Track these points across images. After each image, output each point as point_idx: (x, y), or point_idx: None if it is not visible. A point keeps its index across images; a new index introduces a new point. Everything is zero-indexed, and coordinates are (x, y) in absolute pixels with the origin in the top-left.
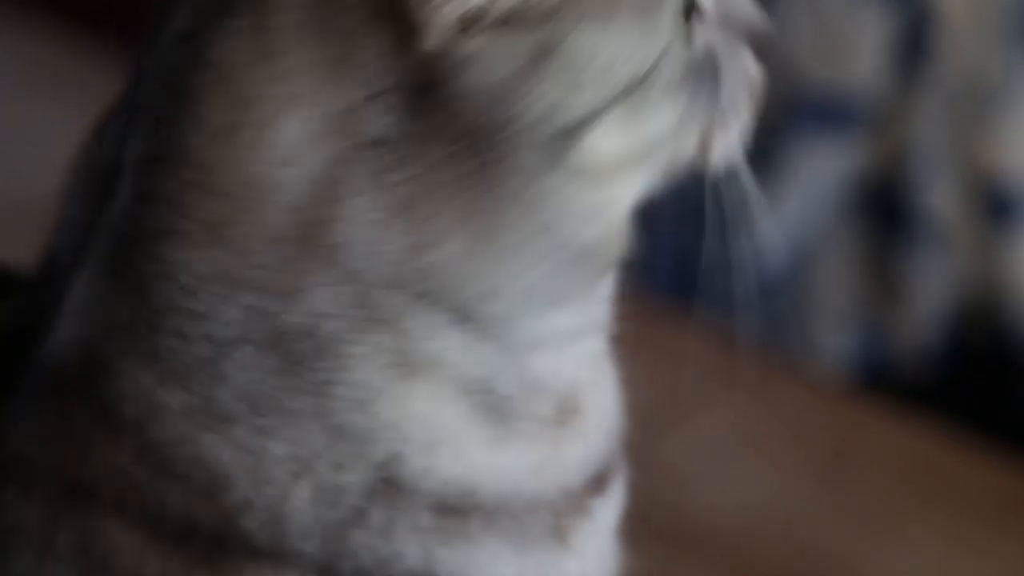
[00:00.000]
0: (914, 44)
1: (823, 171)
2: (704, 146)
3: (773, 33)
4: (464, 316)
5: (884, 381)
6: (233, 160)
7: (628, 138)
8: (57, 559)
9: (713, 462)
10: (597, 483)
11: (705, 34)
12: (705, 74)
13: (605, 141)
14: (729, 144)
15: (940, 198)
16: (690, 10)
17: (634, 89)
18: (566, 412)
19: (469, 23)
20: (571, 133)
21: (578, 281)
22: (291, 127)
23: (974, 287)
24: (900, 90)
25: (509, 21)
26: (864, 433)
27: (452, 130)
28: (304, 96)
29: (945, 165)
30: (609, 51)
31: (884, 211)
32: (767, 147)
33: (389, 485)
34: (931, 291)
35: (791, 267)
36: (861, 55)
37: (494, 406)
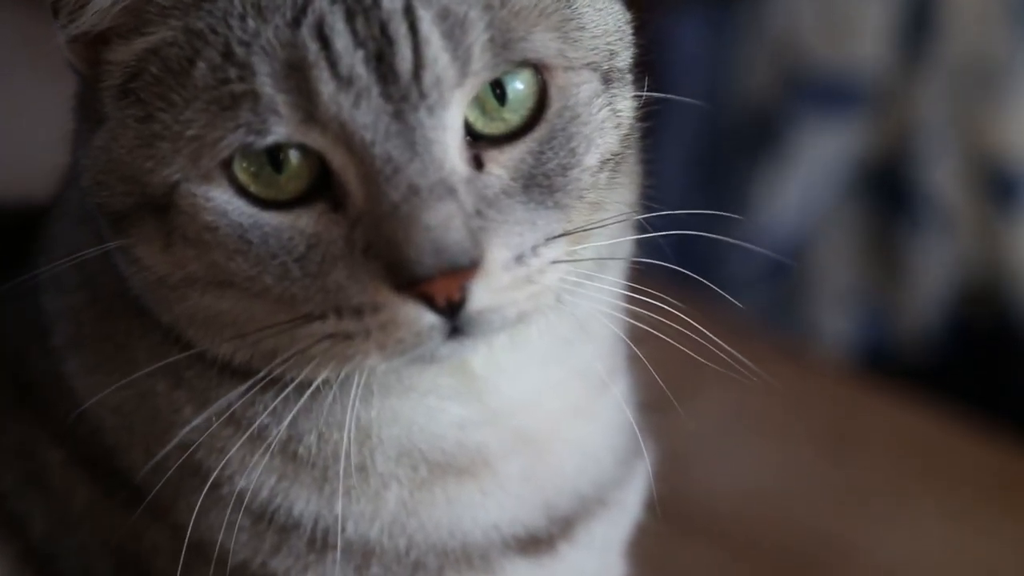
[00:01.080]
0: (918, 24)
1: (826, 152)
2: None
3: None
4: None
5: (886, 362)
6: None
7: (165, 263)
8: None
9: (715, 444)
10: (526, 544)
11: (313, 225)
12: (263, 249)
13: (145, 251)
14: (326, 351)
15: (943, 179)
16: (318, 191)
17: (157, 208)
18: (445, 471)
19: None
20: (113, 223)
21: None
22: None
23: (976, 268)
24: (904, 71)
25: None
26: (866, 415)
27: None
28: None
29: (948, 146)
30: (130, 154)
31: (887, 192)
32: (770, 127)
33: (194, 471)
34: (933, 272)
35: (794, 248)
36: (865, 35)
37: (266, 442)
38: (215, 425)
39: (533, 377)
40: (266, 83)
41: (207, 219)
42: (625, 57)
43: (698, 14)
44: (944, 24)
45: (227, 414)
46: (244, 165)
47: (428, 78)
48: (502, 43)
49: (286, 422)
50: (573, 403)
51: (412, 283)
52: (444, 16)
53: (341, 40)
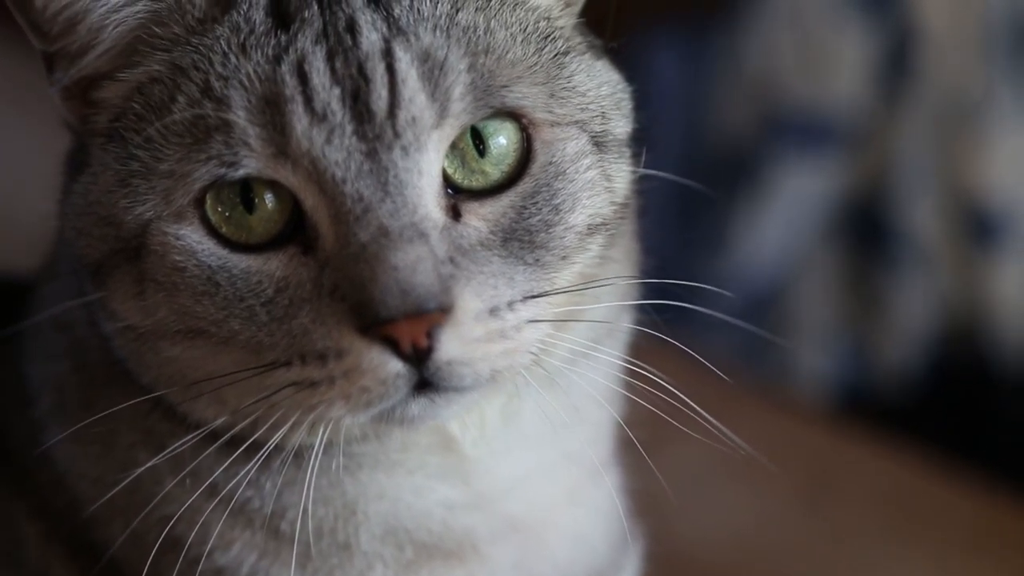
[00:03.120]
0: (897, 62)
1: (805, 190)
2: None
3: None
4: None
5: (865, 400)
6: None
7: (137, 309)
8: None
9: (693, 491)
10: None
11: (280, 266)
12: (230, 292)
13: (118, 297)
14: (294, 404)
15: (922, 218)
16: (293, 235)
17: (131, 255)
18: (431, 553)
19: None
20: (91, 273)
21: None
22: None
23: (956, 307)
24: (882, 108)
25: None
26: (846, 460)
27: None
28: None
29: (927, 185)
30: (108, 195)
31: (866, 230)
32: (749, 164)
33: (173, 545)
34: (913, 311)
35: (772, 286)
36: (843, 73)
37: (249, 517)
38: (196, 497)
39: (524, 460)
40: (240, 115)
41: (176, 259)
42: (621, 126)
43: (676, 50)
44: (923, 63)
45: (207, 484)
46: (216, 206)
47: (403, 117)
48: (484, 88)
49: (269, 493)
50: (566, 488)
51: (376, 324)
52: (424, 58)
53: (318, 77)
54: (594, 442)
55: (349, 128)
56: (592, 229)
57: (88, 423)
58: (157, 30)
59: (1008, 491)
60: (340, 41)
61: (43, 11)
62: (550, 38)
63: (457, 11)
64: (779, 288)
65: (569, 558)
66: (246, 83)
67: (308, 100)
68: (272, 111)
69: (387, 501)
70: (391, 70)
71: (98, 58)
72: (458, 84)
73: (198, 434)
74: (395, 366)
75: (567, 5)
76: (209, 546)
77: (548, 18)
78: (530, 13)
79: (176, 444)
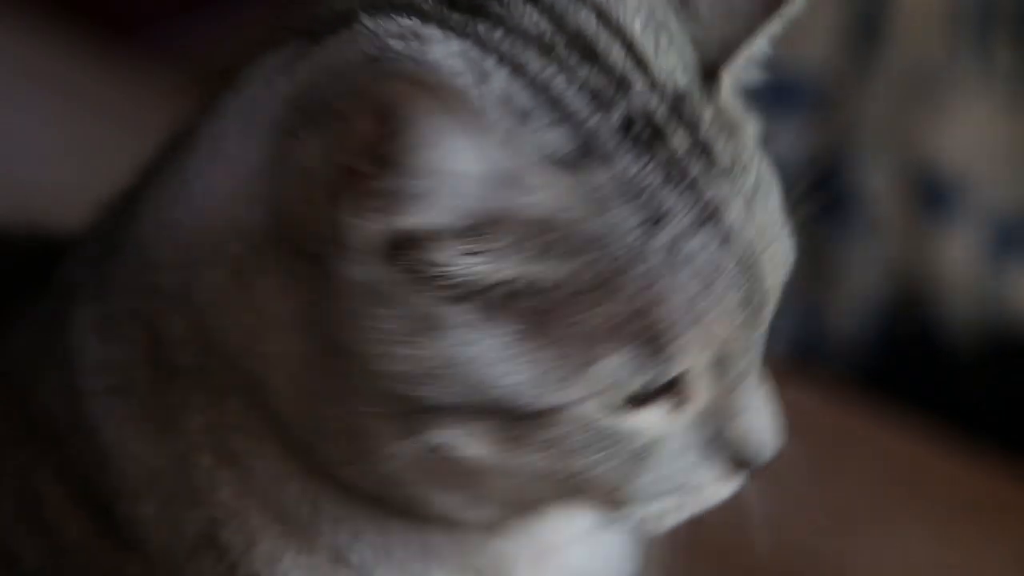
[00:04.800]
0: (868, 28)
1: (769, 149)
2: (610, 504)
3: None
4: (286, 444)
5: (817, 362)
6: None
7: (495, 455)
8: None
9: None
10: None
11: (662, 425)
12: (623, 454)
13: (466, 439)
14: (643, 518)
15: (877, 185)
16: (656, 393)
17: (511, 416)
18: None
19: (398, 250)
20: (431, 415)
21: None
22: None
23: (906, 274)
24: (850, 73)
25: (431, 280)
26: (849, 432)
27: (317, 306)
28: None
29: (885, 152)
30: (499, 365)
31: (824, 194)
32: None
33: (213, 544)
34: (864, 277)
35: None
36: (813, 37)
37: (315, 544)
38: (254, 514)
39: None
40: (675, 328)
41: (583, 436)
42: None
43: None
44: (893, 30)
45: (278, 512)
46: None
47: (773, 300)
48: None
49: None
50: None
51: (748, 467)
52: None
53: (728, 274)
54: None
55: (749, 313)
56: None
57: (150, 410)
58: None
59: (966, 455)
60: (717, 224)
61: None
62: None
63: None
64: None
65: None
66: (675, 291)
67: (724, 299)
68: (695, 316)
69: (458, 548)
70: (772, 261)
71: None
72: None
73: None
74: (736, 483)
75: None
76: (253, 556)
77: None
78: None
79: (259, 465)
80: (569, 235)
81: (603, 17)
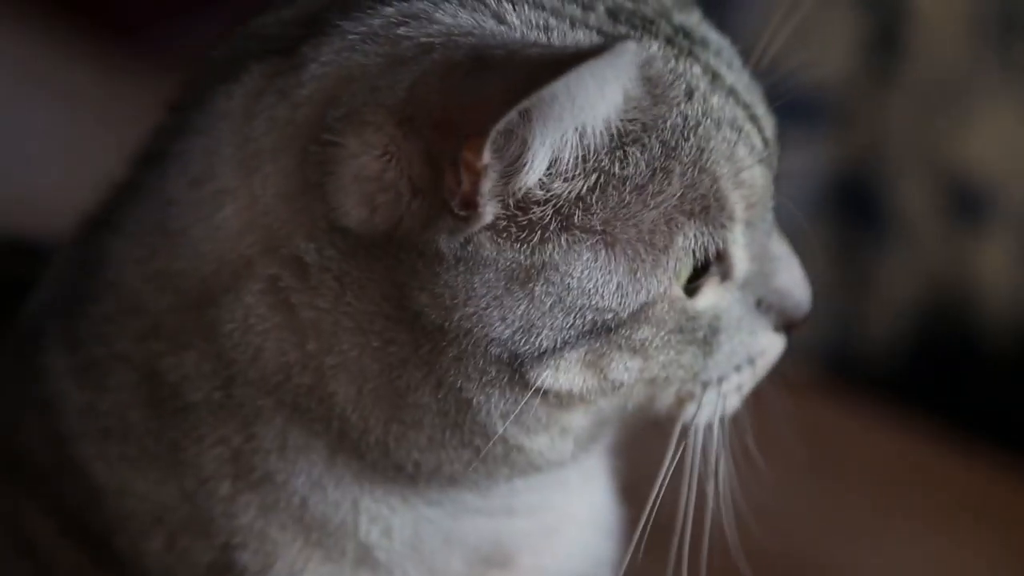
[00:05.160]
0: (887, 41)
1: (794, 164)
2: (679, 404)
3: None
4: (336, 450)
5: (852, 372)
6: (187, 207)
7: (589, 379)
8: None
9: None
10: None
11: (719, 299)
12: (697, 338)
13: (564, 374)
14: (710, 411)
15: (908, 194)
16: (704, 270)
17: (604, 331)
18: (488, 565)
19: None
20: (533, 358)
21: (480, 476)
22: (232, 207)
23: (941, 281)
24: (872, 86)
25: (519, 229)
26: (845, 433)
27: (397, 299)
28: (256, 194)
29: (914, 161)
30: (592, 284)
31: (853, 206)
32: None
33: (228, 569)
34: (899, 285)
35: None
36: (834, 51)
37: (342, 548)
38: (273, 530)
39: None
40: (727, 185)
41: (670, 321)
42: None
43: None
44: (913, 42)
45: (301, 520)
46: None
47: (775, 140)
48: None
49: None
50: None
51: (797, 322)
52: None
53: (747, 124)
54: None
55: (766, 155)
56: None
57: (151, 451)
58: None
59: (994, 463)
60: (722, 85)
61: None
62: None
63: None
64: None
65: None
66: (720, 150)
67: (752, 149)
68: (736, 170)
69: (478, 534)
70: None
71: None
72: None
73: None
74: (783, 344)
75: None
76: (272, 573)
77: None
78: None
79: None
80: (636, 124)
81: None
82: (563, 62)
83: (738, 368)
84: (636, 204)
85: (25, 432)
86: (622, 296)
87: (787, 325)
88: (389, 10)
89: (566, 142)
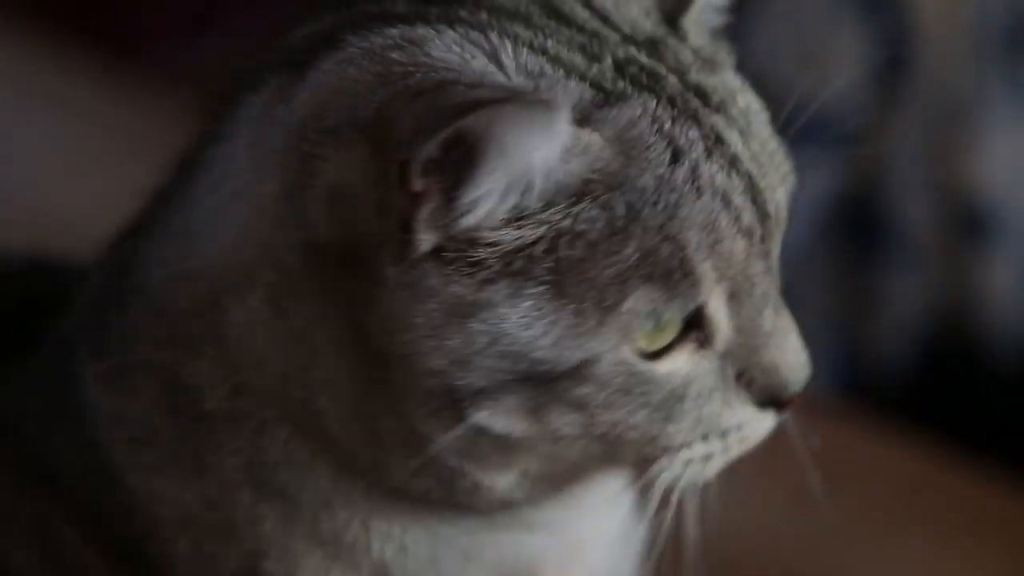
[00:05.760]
0: (892, 62)
1: (801, 185)
2: (645, 463)
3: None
4: (339, 467)
5: (859, 392)
6: (206, 210)
7: (530, 426)
8: (16, 535)
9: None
10: None
11: (692, 366)
12: (651, 402)
13: (502, 417)
14: (676, 477)
15: (915, 214)
16: (684, 333)
17: (541, 381)
18: None
19: (442, 252)
20: (469, 396)
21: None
22: (240, 207)
23: (948, 302)
24: (877, 107)
25: (466, 265)
26: (849, 449)
27: (357, 319)
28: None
29: (921, 182)
30: (529, 333)
31: (860, 226)
32: None
33: None
34: (906, 306)
35: None
36: (839, 72)
37: (358, 564)
38: (297, 541)
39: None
40: (696, 255)
41: (618, 381)
42: None
43: None
44: (918, 62)
45: (323, 535)
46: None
47: (781, 225)
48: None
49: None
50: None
51: (784, 402)
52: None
53: (738, 197)
54: None
55: (758, 235)
56: None
57: (177, 456)
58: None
59: (1002, 480)
60: (723, 152)
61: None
62: None
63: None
64: None
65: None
66: (694, 219)
67: (738, 221)
68: (711, 241)
69: (497, 550)
70: (772, 187)
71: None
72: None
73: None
74: (772, 421)
75: None
76: None
77: None
78: None
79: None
80: (599, 184)
81: None
82: (477, 104)
83: (705, 438)
84: (588, 261)
85: (57, 441)
86: (560, 350)
87: (774, 403)
88: (393, 32)
89: (506, 190)
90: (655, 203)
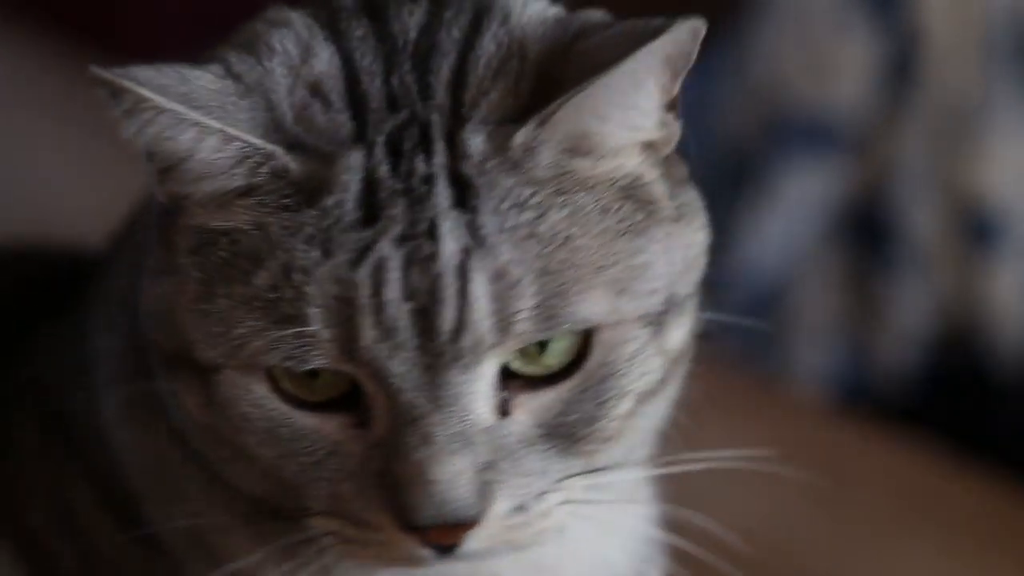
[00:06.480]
0: (900, 67)
1: (807, 192)
2: (292, 506)
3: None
4: None
5: (864, 399)
6: None
7: (207, 414)
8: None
9: (705, 485)
10: None
11: (336, 432)
12: (278, 439)
13: (187, 399)
14: (325, 534)
15: (922, 221)
16: (334, 402)
17: (199, 368)
18: None
19: None
20: (174, 369)
21: None
22: None
23: (953, 309)
24: (885, 113)
25: None
26: (856, 454)
27: None
28: None
29: (927, 188)
30: (187, 315)
31: (867, 233)
32: (752, 167)
33: (201, 545)
34: (911, 312)
35: (774, 286)
36: (847, 77)
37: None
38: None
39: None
40: (315, 313)
41: (244, 409)
42: (689, 283)
43: None
44: (925, 68)
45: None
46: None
47: (466, 341)
48: (548, 315)
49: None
50: (597, 523)
51: (410, 527)
52: (497, 278)
53: (392, 290)
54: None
55: (413, 343)
56: (637, 405)
57: (139, 409)
58: (247, 200)
59: (1006, 486)
60: (419, 249)
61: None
62: (629, 219)
63: (541, 217)
64: (781, 287)
65: None
66: (326, 281)
67: (379, 312)
68: (345, 315)
69: None
70: (463, 292)
71: (193, 189)
72: (524, 309)
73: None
74: (423, 552)
75: (655, 156)
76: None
77: (634, 185)
78: (612, 190)
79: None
80: (262, 203)
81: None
82: None
83: (344, 517)
84: (231, 269)
85: (71, 397)
86: (204, 340)
87: (408, 525)
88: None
89: None
90: (290, 249)
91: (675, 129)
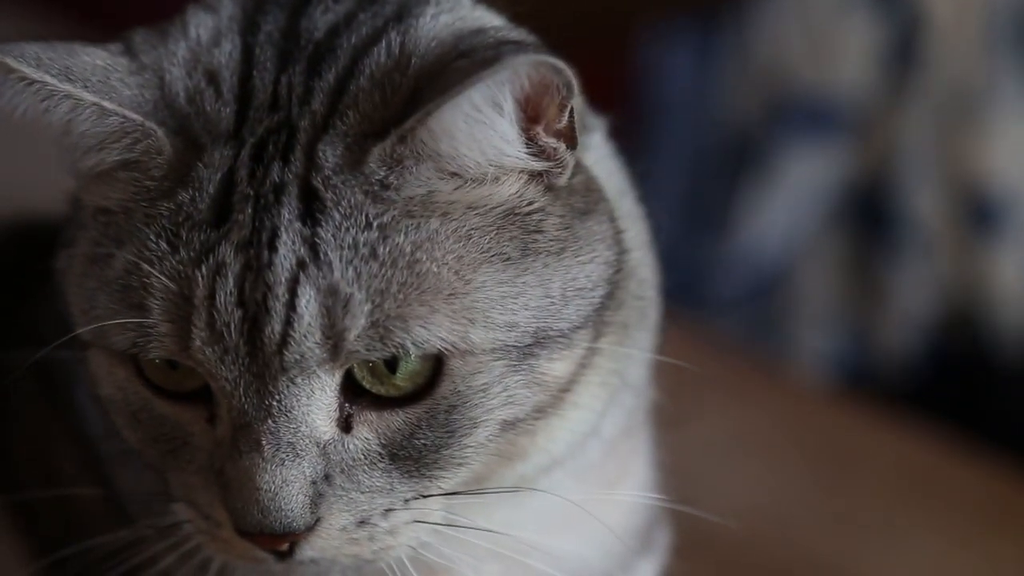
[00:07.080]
0: (902, 51)
1: (810, 175)
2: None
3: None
4: None
5: (866, 383)
6: None
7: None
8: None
9: (709, 466)
10: None
11: (191, 422)
12: (138, 421)
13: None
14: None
15: (924, 204)
16: (201, 396)
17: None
18: None
19: None
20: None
21: None
22: None
23: (955, 292)
24: (887, 96)
25: None
26: (858, 437)
27: None
28: None
29: (930, 171)
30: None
31: (869, 216)
32: (755, 151)
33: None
34: (913, 295)
35: (777, 270)
36: (849, 61)
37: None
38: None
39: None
40: (156, 305)
41: (109, 390)
42: (570, 316)
43: (687, 41)
44: (928, 52)
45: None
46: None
47: (291, 354)
48: (382, 336)
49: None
50: (564, 514)
51: (239, 531)
52: (328, 294)
53: (225, 296)
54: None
55: (243, 351)
56: (505, 427)
57: None
58: (123, 174)
59: (1008, 468)
60: (258, 256)
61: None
62: (496, 249)
63: (385, 238)
64: (784, 271)
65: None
66: (169, 275)
67: (211, 316)
68: (183, 312)
69: None
70: (291, 305)
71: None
72: (355, 327)
73: None
74: (260, 554)
75: (542, 186)
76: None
77: (513, 213)
78: (482, 217)
79: None
80: (136, 184)
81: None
82: None
83: (190, 506)
84: (103, 258)
85: (56, 356)
86: (79, 314)
87: (241, 528)
88: None
89: None
90: (139, 241)
91: (567, 159)
